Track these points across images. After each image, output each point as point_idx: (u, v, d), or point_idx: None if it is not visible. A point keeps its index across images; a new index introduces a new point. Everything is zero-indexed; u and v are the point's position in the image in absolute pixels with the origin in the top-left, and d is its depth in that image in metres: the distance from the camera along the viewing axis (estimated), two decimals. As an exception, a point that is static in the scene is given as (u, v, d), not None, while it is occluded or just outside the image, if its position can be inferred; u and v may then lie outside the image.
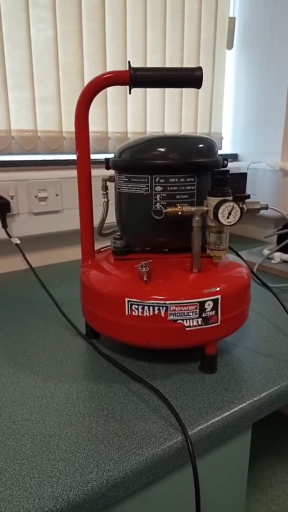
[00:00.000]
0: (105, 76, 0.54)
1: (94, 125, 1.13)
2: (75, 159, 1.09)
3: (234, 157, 1.43)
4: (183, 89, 1.28)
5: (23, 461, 0.42)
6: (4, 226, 0.98)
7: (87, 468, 0.41)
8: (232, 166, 1.35)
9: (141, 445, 0.44)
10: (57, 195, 1.05)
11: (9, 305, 0.82)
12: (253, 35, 1.30)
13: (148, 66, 1.15)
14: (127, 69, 0.53)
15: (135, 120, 1.20)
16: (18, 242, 0.98)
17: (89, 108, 0.56)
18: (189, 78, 0.53)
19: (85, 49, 1.06)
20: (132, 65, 0.54)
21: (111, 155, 0.62)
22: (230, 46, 1.35)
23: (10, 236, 0.98)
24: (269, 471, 1.21)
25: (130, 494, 0.45)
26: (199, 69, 0.53)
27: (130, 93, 0.56)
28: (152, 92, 1.21)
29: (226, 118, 1.43)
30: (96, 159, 1.09)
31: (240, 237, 1.43)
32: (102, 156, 1.13)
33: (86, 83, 1.09)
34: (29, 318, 0.76)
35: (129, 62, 0.54)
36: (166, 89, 1.24)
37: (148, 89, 1.20)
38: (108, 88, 1.14)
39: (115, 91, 1.14)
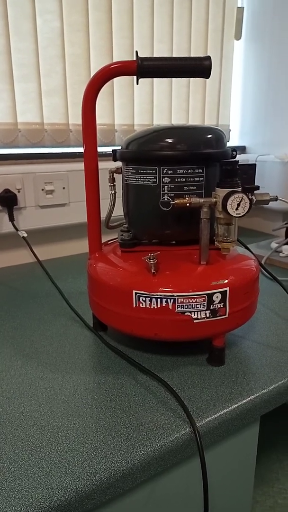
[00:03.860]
0: (112, 66, 0.54)
1: (100, 117, 1.12)
2: (81, 152, 1.09)
3: (242, 149, 1.42)
4: (190, 80, 1.26)
5: (31, 452, 0.42)
6: (11, 219, 0.98)
7: (95, 458, 0.41)
8: (240, 158, 1.33)
9: (149, 436, 0.44)
10: (63, 188, 1.04)
11: (17, 298, 0.83)
12: (262, 25, 1.28)
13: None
14: (135, 59, 0.52)
15: (141, 112, 1.19)
16: (25, 235, 0.98)
17: (96, 99, 0.56)
18: (198, 68, 0.52)
19: (91, 40, 1.06)
20: (139, 55, 0.54)
21: (117, 148, 0.61)
22: (238, 36, 1.33)
23: (17, 229, 0.98)
24: (276, 464, 1.21)
25: (138, 485, 0.45)
26: (208, 58, 0.52)
27: (137, 83, 0.55)
28: (159, 84, 1.20)
29: (234, 109, 1.41)
30: (102, 151, 1.09)
31: (248, 230, 1.42)
32: (108, 149, 1.12)
33: (92, 74, 1.08)
34: (37, 310, 0.76)
35: (136, 51, 0.54)
36: (173, 80, 1.23)
37: (155, 81, 1.19)
38: (115, 80, 1.13)
39: (121, 83, 1.13)
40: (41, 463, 0.41)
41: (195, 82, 1.27)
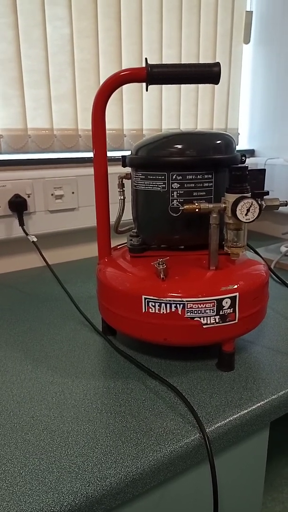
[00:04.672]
0: (122, 73, 0.54)
1: (109, 123, 1.13)
2: (91, 157, 1.10)
3: (251, 153, 1.42)
4: (199, 85, 1.27)
5: (42, 456, 0.42)
6: (21, 224, 0.99)
7: (105, 463, 0.41)
8: (249, 162, 1.33)
9: (159, 441, 0.44)
10: (73, 193, 1.05)
11: (27, 302, 0.83)
12: (271, 29, 1.28)
13: (163, 62, 1.15)
14: (144, 66, 0.53)
15: (150, 117, 1.19)
16: (35, 239, 0.99)
17: (106, 105, 0.56)
18: (207, 74, 0.52)
19: (100, 46, 1.06)
20: (148, 62, 0.54)
21: (126, 153, 0.61)
22: (247, 40, 1.33)
23: (27, 234, 0.99)
24: (285, 470, 1.20)
25: (148, 490, 0.45)
26: (217, 64, 0.52)
27: (147, 90, 0.56)
28: (168, 88, 1.20)
29: (242, 113, 1.41)
30: (111, 156, 1.09)
31: (257, 234, 1.42)
32: (117, 154, 1.13)
33: (102, 80, 1.09)
34: (46, 315, 0.77)
35: (146, 59, 0.54)
36: (182, 85, 1.23)
37: (164, 86, 1.20)
38: (124, 86, 1.13)
39: (130, 88, 1.14)
40: (52, 468, 0.41)
41: (204, 86, 1.28)
